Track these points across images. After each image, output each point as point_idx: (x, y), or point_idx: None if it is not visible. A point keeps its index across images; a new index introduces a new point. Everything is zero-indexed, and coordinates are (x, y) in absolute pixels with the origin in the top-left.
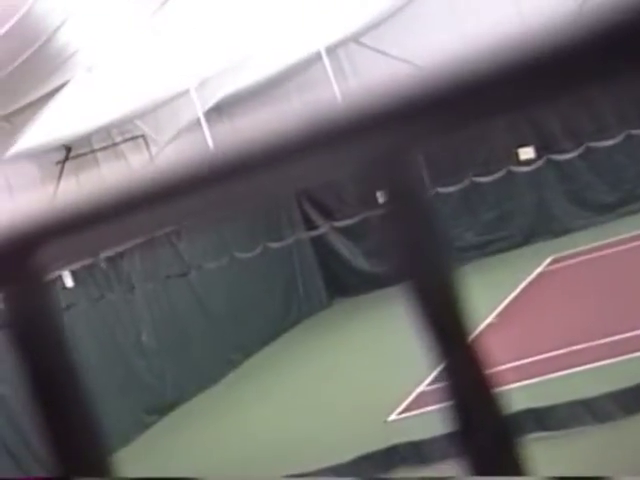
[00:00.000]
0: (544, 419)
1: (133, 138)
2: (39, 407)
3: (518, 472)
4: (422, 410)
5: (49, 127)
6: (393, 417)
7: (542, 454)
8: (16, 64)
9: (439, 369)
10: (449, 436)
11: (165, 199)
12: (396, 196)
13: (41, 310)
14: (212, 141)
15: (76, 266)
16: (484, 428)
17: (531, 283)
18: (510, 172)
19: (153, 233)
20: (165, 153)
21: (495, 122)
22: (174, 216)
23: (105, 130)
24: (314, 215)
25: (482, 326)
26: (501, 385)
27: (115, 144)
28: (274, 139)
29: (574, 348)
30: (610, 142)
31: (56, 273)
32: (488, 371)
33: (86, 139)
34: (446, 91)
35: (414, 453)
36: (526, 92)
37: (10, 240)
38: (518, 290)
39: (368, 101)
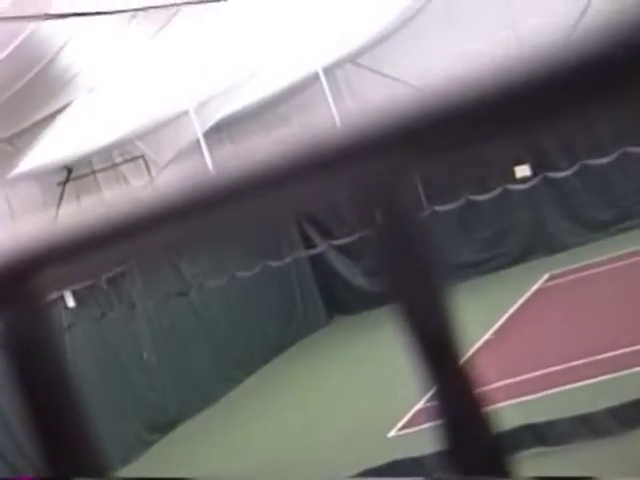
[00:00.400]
0: (543, 435)
1: (133, 159)
2: (36, 425)
3: None
4: (422, 426)
5: (52, 148)
6: (393, 433)
7: (541, 469)
8: (19, 86)
9: (431, 389)
10: (444, 453)
11: (164, 223)
12: (390, 216)
13: (39, 332)
14: (211, 162)
15: (77, 286)
16: (474, 447)
17: (528, 300)
18: (506, 190)
19: (153, 257)
20: (165, 175)
21: (492, 144)
22: (173, 240)
23: (106, 151)
24: (313, 234)
25: (480, 343)
26: (493, 404)
27: (115, 165)
28: (272, 161)
29: (572, 364)
30: (605, 160)
31: (58, 293)
32: (480, 391)
33: (87, 160)
34: (443, 112)
35: (415, 468)
36: (523, 113)
37: (10, 263)
38: (515, 307)
39: (365, 122)
